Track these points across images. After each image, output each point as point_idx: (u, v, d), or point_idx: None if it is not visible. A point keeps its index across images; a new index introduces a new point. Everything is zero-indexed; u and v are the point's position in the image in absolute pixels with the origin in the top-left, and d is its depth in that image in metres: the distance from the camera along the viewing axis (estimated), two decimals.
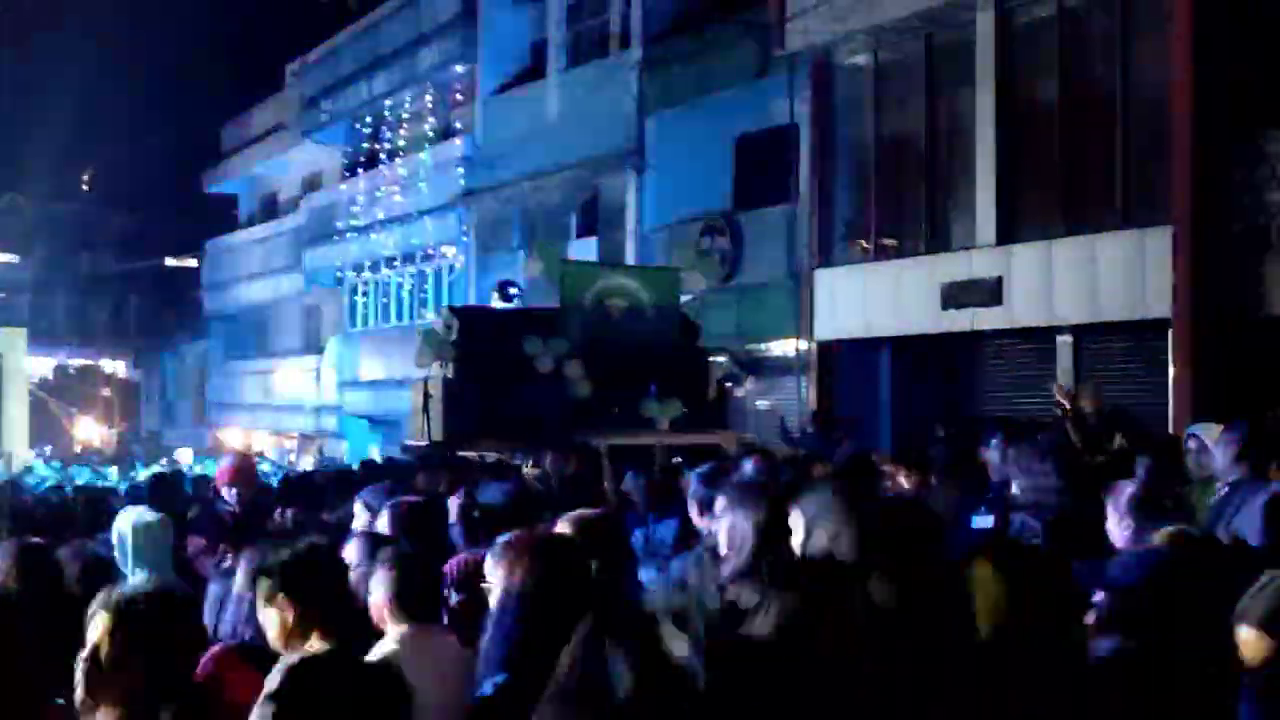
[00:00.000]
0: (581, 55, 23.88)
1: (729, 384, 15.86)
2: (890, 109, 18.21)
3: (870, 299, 17.83)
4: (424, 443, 13.93)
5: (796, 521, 3.95)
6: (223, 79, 41.14)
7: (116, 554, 6.05)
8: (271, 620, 3.96)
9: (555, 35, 24.42)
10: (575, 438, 12.26)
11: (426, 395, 13.97)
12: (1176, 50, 14.06)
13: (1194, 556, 3.61)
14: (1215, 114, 13.65)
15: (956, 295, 16.48)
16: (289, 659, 3.65)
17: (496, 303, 16.11)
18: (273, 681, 3.06)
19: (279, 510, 8.72)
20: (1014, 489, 5.57)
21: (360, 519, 6.35)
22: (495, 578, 3.79)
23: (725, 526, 4.30)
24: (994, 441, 7.49)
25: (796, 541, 3.93)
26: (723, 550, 4.32)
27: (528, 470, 10.89)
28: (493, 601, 3.77)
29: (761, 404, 19.64)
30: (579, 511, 4.83)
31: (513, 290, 16.21)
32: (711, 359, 15.25)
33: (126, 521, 6.18)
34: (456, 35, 27.03)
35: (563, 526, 4.57)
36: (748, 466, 7.61)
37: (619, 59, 22.39)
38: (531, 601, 3.63)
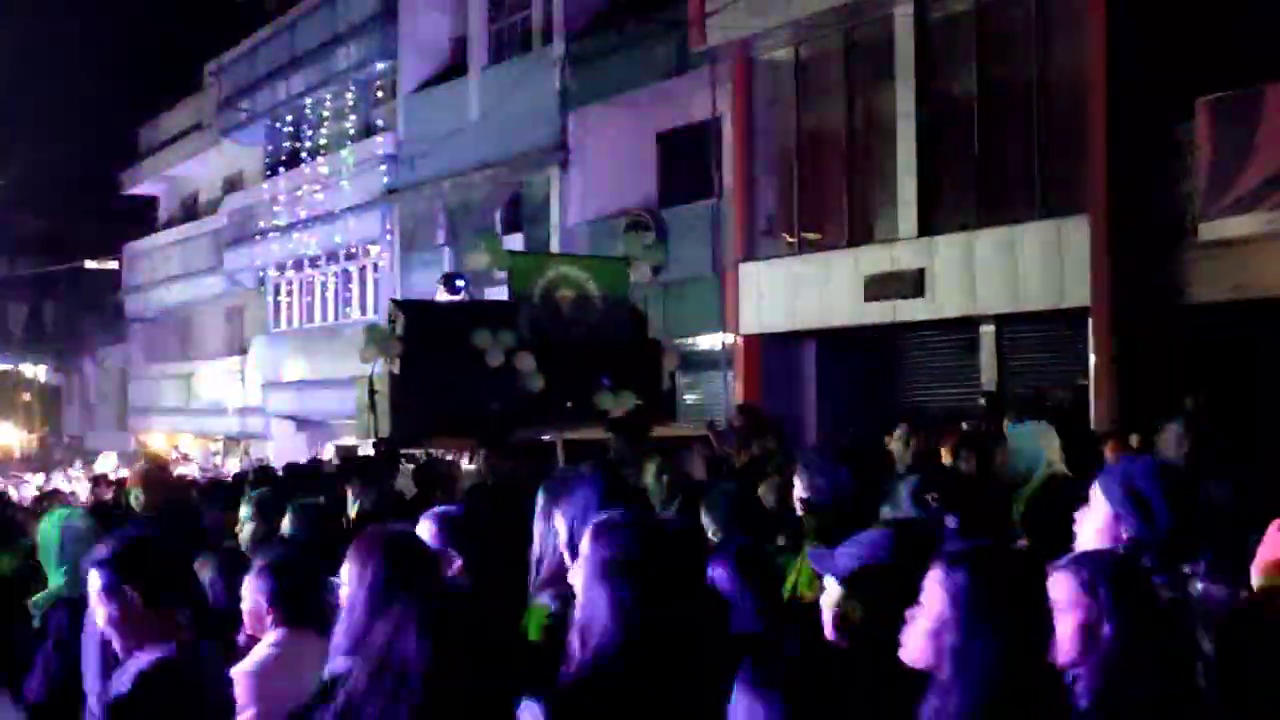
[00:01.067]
0: (504, 51, 23.84)
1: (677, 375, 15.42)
2: (811, 103, 18.32)
3: (794, 292, 17.94)
4: (357, 442, 13.74)
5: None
6: (139, 79, 40.65)
7: (40, 557, 6.00)
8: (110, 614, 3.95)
9: (477, 31, 24.36)
10: (527, 433, 12.10)
11: (373, 392, 13.62)
12: (1091, 43, 14.27)
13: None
14: (1130, 106, 13.86)
15: (880, 287, 16.63)
16: (139, 664, 3.69)
17: (442, 295, 15.61)
18: (123, 687, 3.06)
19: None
20: (800, 490, 5.62)
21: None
22: (348, 574, 3.85)
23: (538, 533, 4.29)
24: (898, 433, 7.62)
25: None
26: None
27: (469, 466, 10.84)
28: (343, 596, 3.85)
29: (689, 398, 19.73)
30: (440, 509, 4.88)
31: (459, 283, 15.66)
32: (664, 349, 14.87)
33: (52, 524, 6.12)
34: (376, 32, 26.89)
35: (422, 524, 4.59)
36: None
37: (541, 55, 22.37)
38: (377, 595, 3.69)
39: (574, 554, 3.92)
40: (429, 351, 13.50)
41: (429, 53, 26.16)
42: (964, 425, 9.92)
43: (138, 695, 3.62)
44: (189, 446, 35.90)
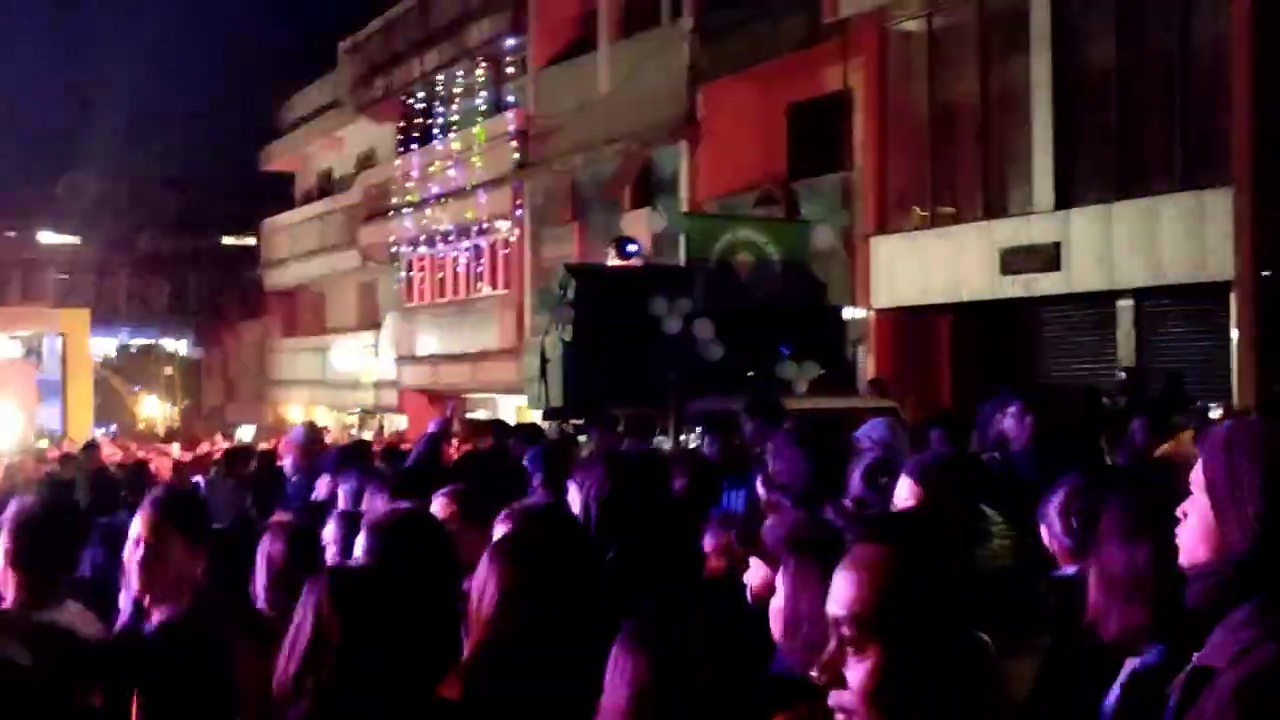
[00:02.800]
0: (633, 25, 23.80)
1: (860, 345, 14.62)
2: (945, 75, 18.06)
3: (927, 266, 17.72)
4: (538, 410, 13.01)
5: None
6: (279, 57, 41.35)
7: None
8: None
9: (606, 6, 24.36)
10: (704, 402, 11.56)
11: (544, 360, 13.00)
12: (1235, 8, 13.87)
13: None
14: (1277, 71, 13.45)
15: (1014, 261, 16.37)
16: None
17: (613, 260, 14.82)
18: None
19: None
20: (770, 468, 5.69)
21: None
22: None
23: None
24: (1011, 410, 7.36)
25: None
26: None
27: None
28: None
29: None
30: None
31: (631, 247, 14.75)
32: (846, 317, 14.06)
33: None
34: (507, 9, 27.02)
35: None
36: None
37: (671, 28, 22.31)
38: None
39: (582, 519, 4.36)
40: (602, 318, 12.87)
41: (559, 28, 26.23)
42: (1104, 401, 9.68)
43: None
44: (324, 419, 36.52)
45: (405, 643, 2.92)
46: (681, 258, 15.01)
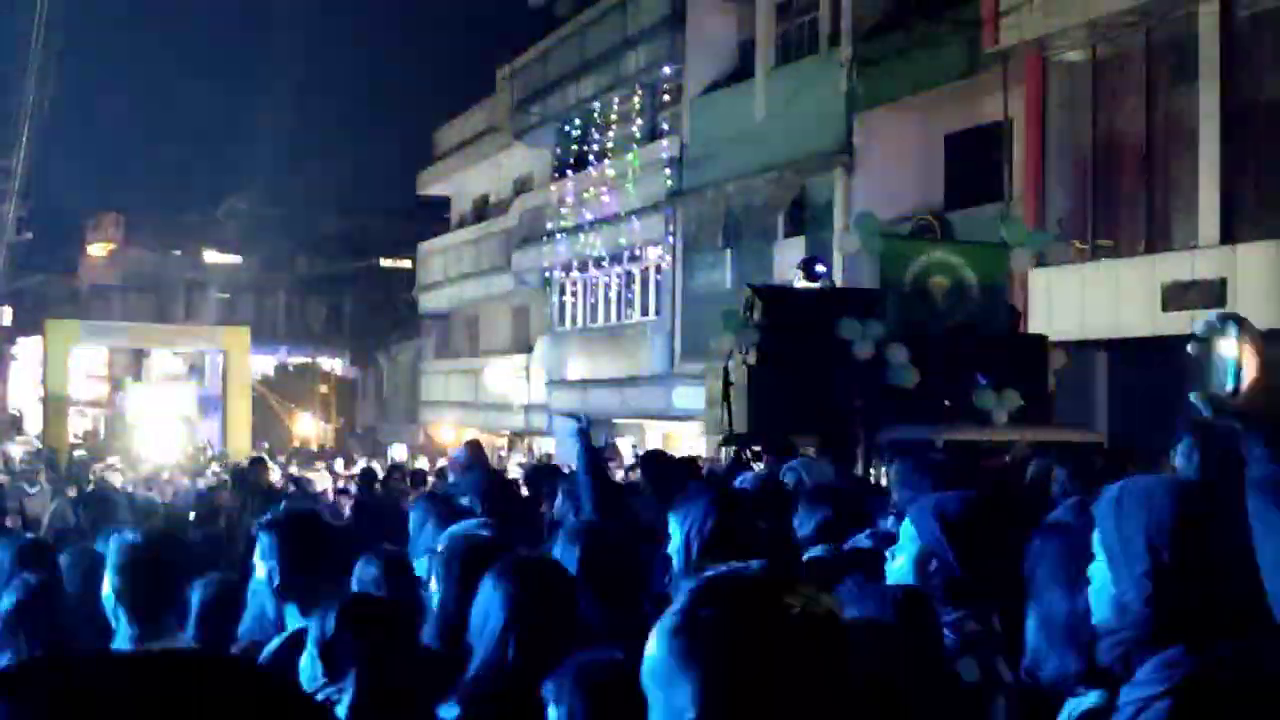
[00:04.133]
0: (790, 54, 23.80)
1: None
2: (1107, 105, 17.76)
3: (1086, 300, 17.41)
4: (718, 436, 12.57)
5: None
6: (437, 83, 42.07)
7: None
8: None
9: (764, 34, 24.39)
10: (895, 432, 11.15)
11: (727, 383, 12.60)
12: None
13: None
14: None
15: (1178, 296, 16.00)
16: None
17: (799, 282, 14.26)
18: None
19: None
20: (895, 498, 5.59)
21: None
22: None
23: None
24: (1182, 446, 7.13)
25: None
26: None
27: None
28: None
29: None
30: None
31: (819, 268, 14.21)
32: (1050, 345, 13.34)
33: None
34: (665, 37, 27.20)
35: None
36: None
37: (828, 57, 22.27)
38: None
39: (682, 561, 4.14)
40: (789, 341, 12.31)
41: (716, 56, 26.33)
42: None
43: None
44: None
45: None
46: (864, 280, 14.60)
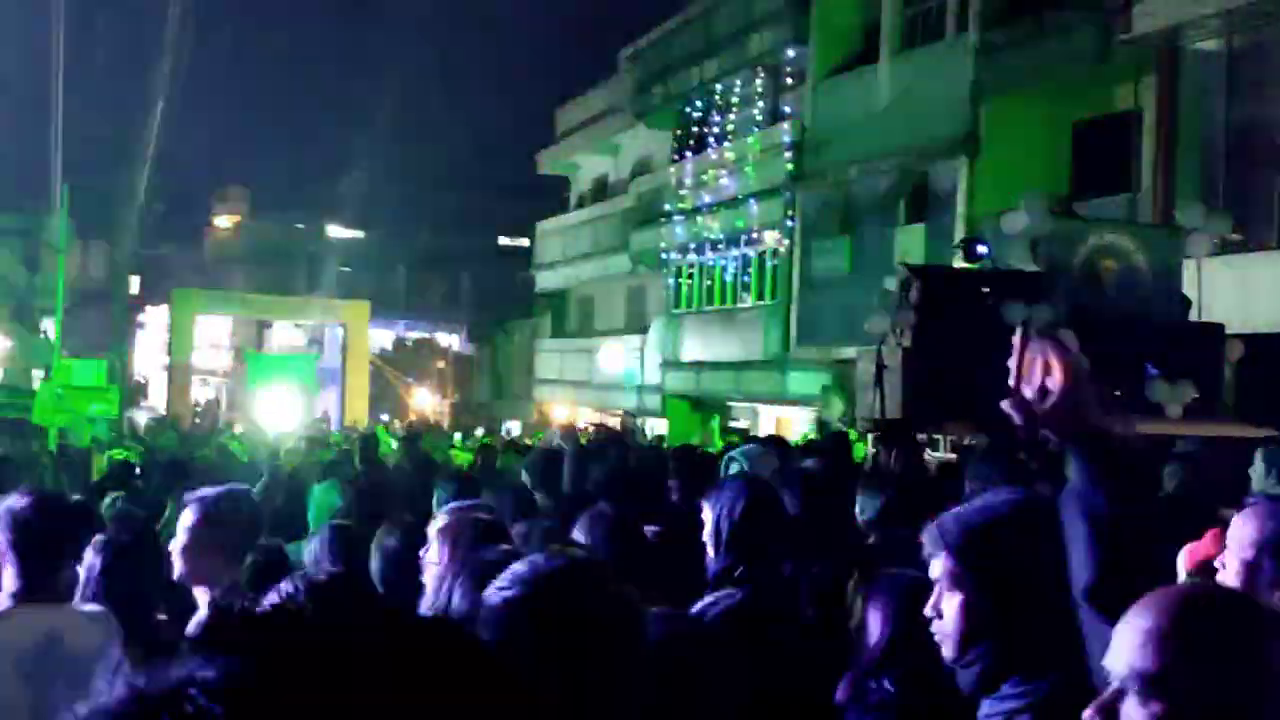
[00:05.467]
0: (915, 39, 23.56)
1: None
2: (1243, 96, 17.37)
3: (1214, 293, 17.04)
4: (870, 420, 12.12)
5: None
6: (560, 63, 42.24)
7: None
8: None
9: (889, 19, 24.16)
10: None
11: (880, 366, 11.96)
12: None
13: None
14: None
15: None
16: None
17: (959, 263, 13.80)
18: None
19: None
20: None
21: None
22: None
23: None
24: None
25: None
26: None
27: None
28: None
29: None
30: None
31: (981, 249, 13.67)
32: (1227, 335, 12.68)
33: None
34: (789, 20, 27.05)
35: None
36: None
37: (954, 43, 22.01)
38: None
39: (715, 547, 4.39)
40: (948, 324, 11.73)
41: (840, 40, 26.13)
42: None
43: None
44: (587, 420, 37.11)
45: None
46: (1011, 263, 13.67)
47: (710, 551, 4.41)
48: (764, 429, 27.79)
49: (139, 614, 4.77)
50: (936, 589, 2.80)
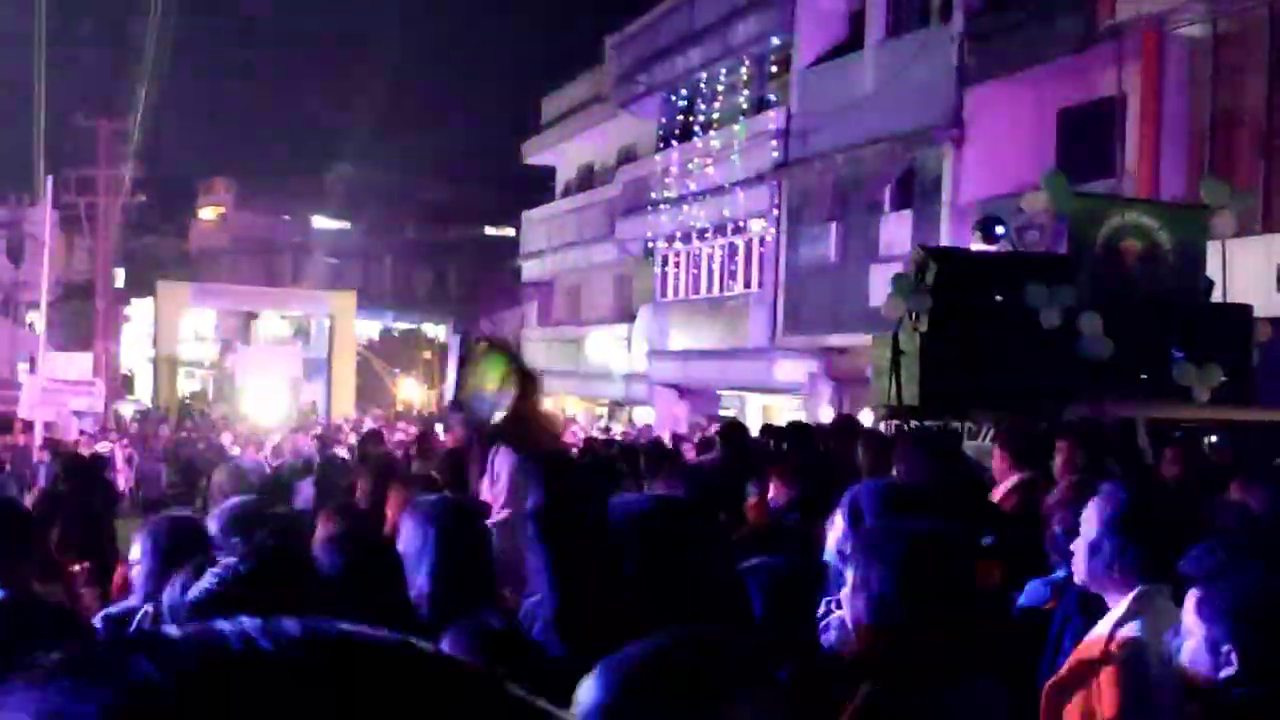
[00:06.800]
0: (901, 25, 23.57)
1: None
2: (1227, 81, 17.41)
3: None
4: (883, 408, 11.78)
5: None
6: (544, 52, 42.15)
7: None
8: None
9: (874, 6, 24.17)
10: (1086, 407, 10.11)
11: (897, 352, 11.54)
12: None
13: None
14: None
15: None
16: None
17: (977, 245, 13.31)
18: None
19: None
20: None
21: None
22: None
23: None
24: None
25: None
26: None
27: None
28: None
29: None
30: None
31: (999, 229, 13.15)
32: (1256, 316, 12.30)
33: None
34: (774, 7, 27.05)
35: None
36: None
37: (940, 29, 22.03)
38: None
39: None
40: (967, 308, 11.40)
41: (825, 27, 26.13)
42: None
43: None
44: (574, 409, 37.12)
45: None
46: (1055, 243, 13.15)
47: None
48: (751, 417, 27.83)
49: None
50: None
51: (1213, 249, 12.60)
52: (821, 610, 3.93)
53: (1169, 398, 10.73)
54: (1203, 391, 11.07)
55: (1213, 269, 12.57)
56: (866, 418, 13.39)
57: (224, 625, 0.74)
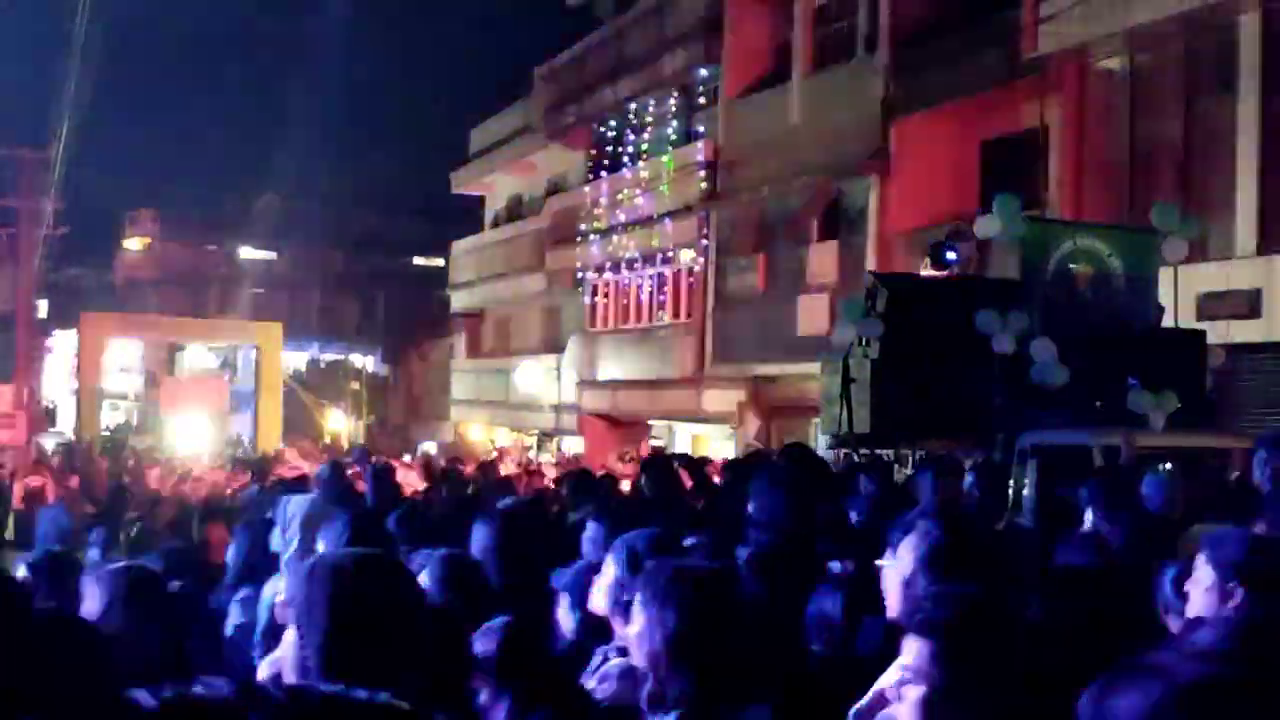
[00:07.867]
0: (826, 59, 23.77)
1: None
2: (1145, 113, 17.70)
3: None
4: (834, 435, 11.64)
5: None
6: (473, 83, 42.09)
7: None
8: None
9: (801, 38, 24.37)
10: (1039, 435, 10.11)
11: (847, 379, 11.48)
12: None
13: None
14: None
15: (1211, 306, 15.91)
16: None
17: (926, 270, 13.21)
18: None
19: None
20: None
21: None
22: None
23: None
24: (1261, 456, 6.99)
25: None
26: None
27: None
28: None
29: None
30: None
31: (950, 255, 13.08)
32: (1208, 342, 12.26)
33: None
34: (701, 40, 27.18)
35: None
36: None
37: (864, 62, 22.24)
38: None
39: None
40: (918, 334, 11.32)
41: (752, 59, 26.29)
42: None
43: None
44: (504, 440, 37.01)
45: None
46: (995, 267, 13.61)
47: None
48: (680, 447, 27.87)
49: None
50: None
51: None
52: (597, 661, 4.04)
53: (1122, 424, 10.61)
54: (1158, 418, 11.02)
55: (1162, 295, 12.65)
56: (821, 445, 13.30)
57: None
